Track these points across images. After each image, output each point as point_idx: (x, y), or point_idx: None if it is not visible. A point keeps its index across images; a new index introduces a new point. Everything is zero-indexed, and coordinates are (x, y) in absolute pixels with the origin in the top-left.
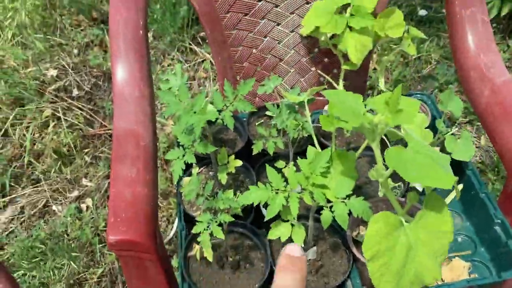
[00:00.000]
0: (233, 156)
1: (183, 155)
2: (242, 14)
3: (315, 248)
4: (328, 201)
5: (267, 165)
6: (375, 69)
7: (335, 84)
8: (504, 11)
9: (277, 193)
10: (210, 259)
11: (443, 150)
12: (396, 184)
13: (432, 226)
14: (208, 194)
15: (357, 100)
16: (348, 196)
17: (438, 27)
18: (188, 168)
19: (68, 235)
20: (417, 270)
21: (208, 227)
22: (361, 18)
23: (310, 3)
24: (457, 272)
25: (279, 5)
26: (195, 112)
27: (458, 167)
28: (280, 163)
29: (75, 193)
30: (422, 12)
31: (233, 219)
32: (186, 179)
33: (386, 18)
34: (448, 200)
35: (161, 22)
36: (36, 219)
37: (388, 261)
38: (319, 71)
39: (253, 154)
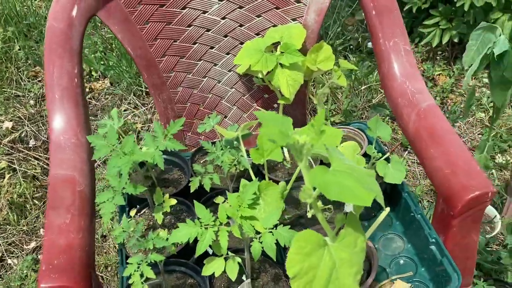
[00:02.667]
0: (167, 195)
1: (113, 197)
2: (179, 57)
3: (248, 280)
4: (258, 232)
5: (195, 201)
6: (327, 101)
7: None
8: (445, 39)
9: (206, 228)
10: None
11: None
12: (326, 207)
13: (352, 246)
14: (139, 235)
15: (286, 123)
16: (276, 226)
17: None
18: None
19: None
20: None
21: (138, 268)
22: (290, 55)
23: (244, 43)
24: None
25: (214, 47)
26: (125, 154)
27: (395, 190)
28: (219, 199)
29: (32, 244)
30: (371, 44)
31: (163, 257)
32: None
33: (317, 52)
34: (380, 218)
35: (117, 69)
36: None
37: (312, 280)
38: (258, 107)
39: (191, 192)
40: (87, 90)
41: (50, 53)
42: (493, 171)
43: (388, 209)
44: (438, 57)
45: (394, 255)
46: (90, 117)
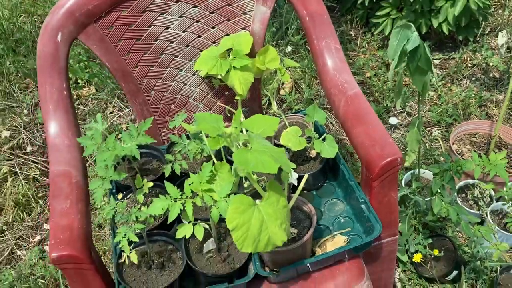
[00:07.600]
0: (145, 180)
1: (102, 184)
2: (149, 66)
3: (211, 239)
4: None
5: (165, 181)
6: (291, 92)
7: (235, 112)
8: None
9: (175, 201)
10: (135, 261)
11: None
12: (261, 178)
13: (275, 204)
14: (123, 211)
15: (218, 120)
16: (229, 195)
17: (346, 48)
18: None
19: (34, 275)
20: (269, 236)
21: (125, 235)
22: (240, 59)
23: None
24: (337, 245)
25: (178, 56)
26: (109, 150)
27: (335, 163)
28: (189, 180)
29: (38, 237)
30: None
31: (144, 226)
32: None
33: (264, 54)
34: (302, 184)
35: (100, 75)
36: (3, 266)
37: (247, 231)
38: (221, 103)
39: (165, 177)
40: (74, 97)
41: (42, 74)
42: (441, 142)
43: (293, 173)
44: None
45: (336, 216)
46: (80, 121)
